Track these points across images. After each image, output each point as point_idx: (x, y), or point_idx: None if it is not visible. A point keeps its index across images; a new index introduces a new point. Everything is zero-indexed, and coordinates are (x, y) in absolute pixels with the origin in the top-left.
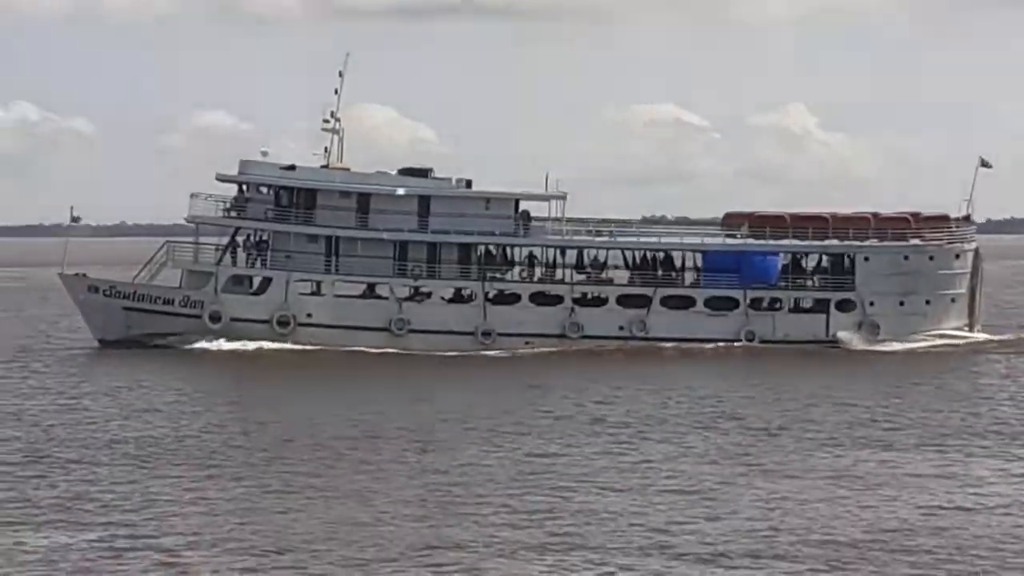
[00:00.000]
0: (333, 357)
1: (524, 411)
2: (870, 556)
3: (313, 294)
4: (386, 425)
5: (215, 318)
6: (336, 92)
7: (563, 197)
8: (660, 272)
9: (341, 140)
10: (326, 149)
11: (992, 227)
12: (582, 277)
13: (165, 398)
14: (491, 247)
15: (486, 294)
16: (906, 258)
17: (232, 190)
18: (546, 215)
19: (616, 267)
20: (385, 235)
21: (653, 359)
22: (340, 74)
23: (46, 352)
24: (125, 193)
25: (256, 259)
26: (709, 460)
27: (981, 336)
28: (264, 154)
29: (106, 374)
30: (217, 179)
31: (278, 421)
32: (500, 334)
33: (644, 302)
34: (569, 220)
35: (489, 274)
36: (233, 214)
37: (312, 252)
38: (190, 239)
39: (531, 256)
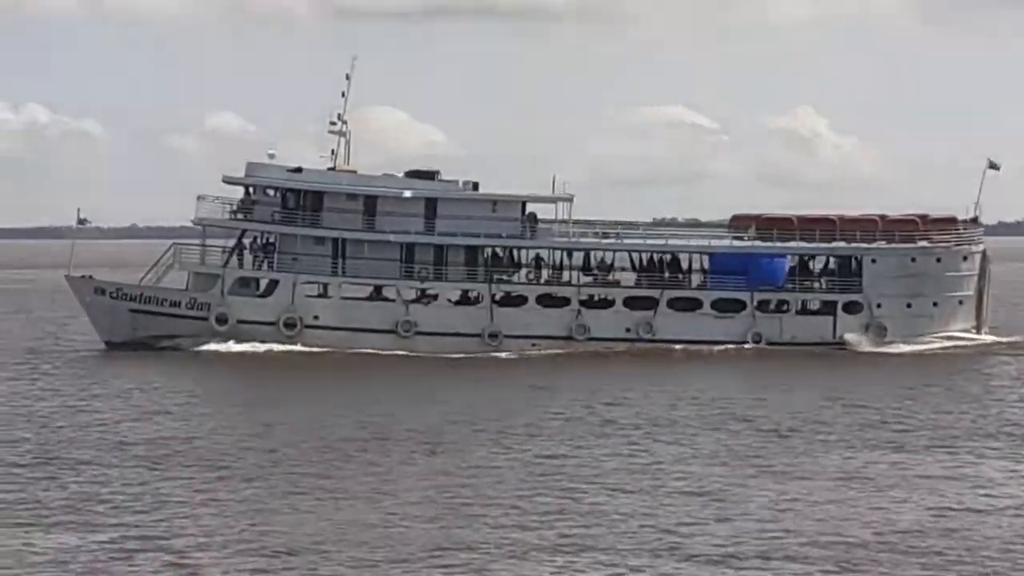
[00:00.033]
0: (341, 359)
1: (533, 413)
2: (880, 558)
3: (320, 296)
4: (395, 427)
5: (222, 320)
6: (343, 95)
7: (570, 199)
8: (667, 274)
9: (348, 142)
10: (333, 151)
11: (1002, 229)
12: (589, 279)
13: (175, 400)
14: (498, 249)
15: (493, 296)
16: (913, 260)
17: (239, 192)
18: (553, 217)
19: (623, 269)
20: (392, 237)
21: (661, 361)
22: (347, 77)
23: (54, 354)
24: (135, 195)
25: (263, 261)
26: (719, 462)
27: (988, 338)
28: (271, 156)
29: (115, 376)
30: (224, 181)
31: (287, 423)
32: (507, 336)
33: (651, 304)
34: (576, 222)
35: (496, 276)
36: (240, 216)
37: (319, 254)
38: (197, 241)
39: (538, 258)
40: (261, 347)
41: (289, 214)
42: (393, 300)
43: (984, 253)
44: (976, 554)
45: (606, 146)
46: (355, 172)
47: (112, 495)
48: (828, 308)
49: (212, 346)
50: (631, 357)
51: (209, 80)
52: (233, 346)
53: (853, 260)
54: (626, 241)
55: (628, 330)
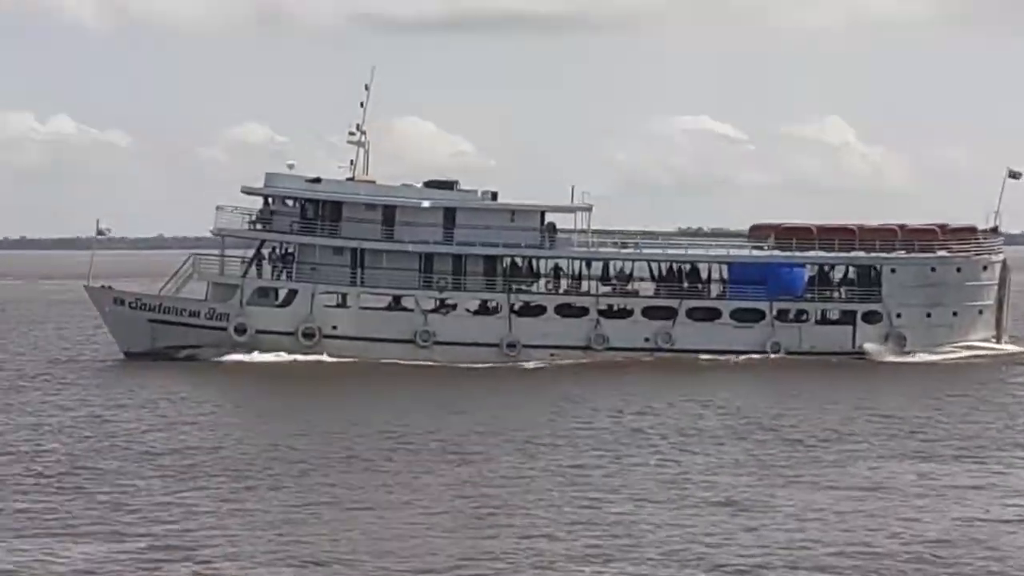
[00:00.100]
0: (362, 369)
1: (558, 422)
2: (907, 568)
3: (338, 306)
4: (420, 436)
5: (241, 330)
6: (362, 105)
7: (588, 209)
8: (686, 284)
9: (367, 152)
10: (352, 162)
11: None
12: (608, 289)
13: (200, 410)
14: (517, 259)
15: (511, 306)
16: (933, 270)
17: (258, 203)
18: (572, 227)
19: (642, 279)
20: (410, 247)
21: (684, 370)
22: (366, 87)
23: (78, 364)
24: (161, 206)
25: (282, 271)
26: (746, 471)
27: (1009, 348)
28: (290, 167)
29: (140, 386)
30: (243, 192)
31: (313, 433)
32: (525, 346)
33: (670, 314)
34: (595, 232)
35: (515, 286)
36: (259, 227)
37: (337, 264)
38: (216, 252)
39: (557, 268)
40: (285, 357)
41: (308, 224)
42: (412, 310)
43: (1004, 262)
44: (1004, 564)
45: (633, 156)
46: (374, 182)
47: (139, 505)
48: (847, 318)
49: (236, 356)
50: (653, 367)
51: (236, 91)
52: (257, 356)
53: (872, 270)
54: (645, 251)
55: (647, 340)
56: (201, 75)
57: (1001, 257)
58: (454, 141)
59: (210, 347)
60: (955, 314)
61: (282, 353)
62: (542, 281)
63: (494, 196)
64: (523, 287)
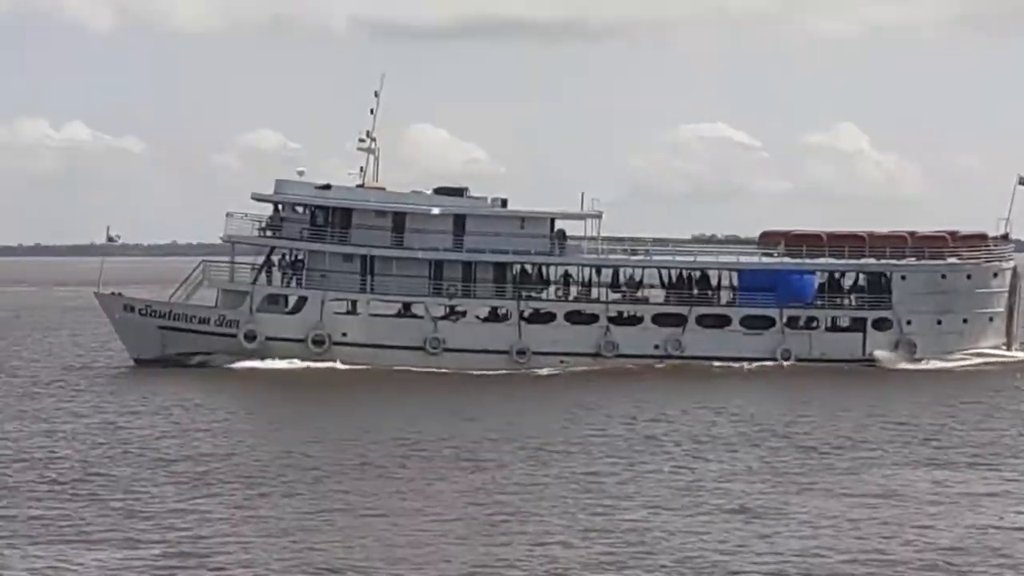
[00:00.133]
0: (374, 376)
1: (571, 429)
2: None
3: (348, 313)
4: (433, 443)
5: (250, 337)
6: (372, 112)
7: (599, 216)
8: (696, 291)
9: (377, 159)
10: (362, 169)
11: None
12: (617, 296)
13: (213, 416)
14: (526, 266)
15: (521, 313)
16: (943, 277)
17: (268, 209)
18: (582, 234)
19: (652, 286)
20: (420, 254)
21: (696, 377)
22: (376, 94)
23: (91, 372)
24: (175, 213)
25: (291, 278)
26: (760, 479)
27: (1019, 355)
28: (300, 174)
29: (153, 393)
30: (253, 198)
31: (326, 440)
32: (535, 353)
33: (680, 321)
34: (605, 239)
35: (524, 293)
36: (269, 233)
37: (347, 271)
38: (226, 258)
39: (566, 275)
40: (297, 364)
41: (317, 231)
42: (421, 317)
43: (1015, 269)
44: (1018, 572)
45: (647, 163)
46: (384, 189)
47: (153, 512)
48: (858, 325)
49: (246, 363)
50: (665, 374)
51: (249, 97)
52: (268, 363)
53: (883, 277)
54: (655, 258)
55: (657, 347)
56: (214, 81)
57: (1012, 264)
58: (467, 148)
59: (220, 354)
60: (965, 321)
61: (295, 360)
62: (552, 288)
63: (504, 203)
64: (533, 294)
